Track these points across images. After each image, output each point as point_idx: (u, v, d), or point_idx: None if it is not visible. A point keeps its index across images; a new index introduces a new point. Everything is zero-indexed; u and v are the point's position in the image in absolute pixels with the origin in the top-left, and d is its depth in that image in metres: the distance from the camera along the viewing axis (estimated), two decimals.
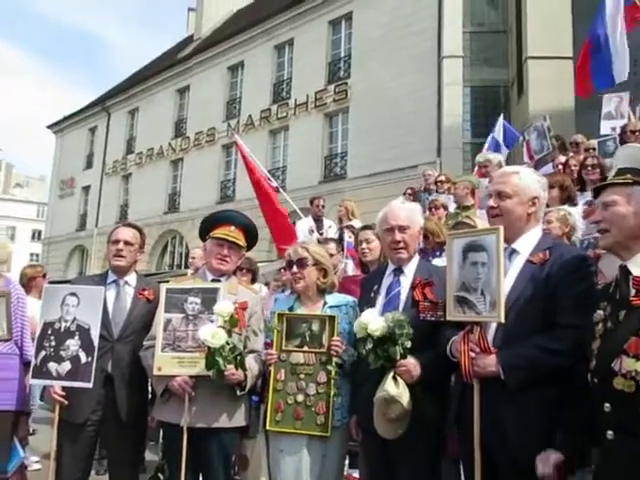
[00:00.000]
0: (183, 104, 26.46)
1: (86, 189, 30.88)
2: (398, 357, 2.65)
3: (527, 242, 2.53)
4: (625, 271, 2.06)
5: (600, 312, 2.09)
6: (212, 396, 3.04)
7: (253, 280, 5.31)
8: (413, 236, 3.01)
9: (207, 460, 3.10)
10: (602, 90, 7.94)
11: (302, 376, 3.05)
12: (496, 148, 9.61)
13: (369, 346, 2.70)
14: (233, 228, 3.38)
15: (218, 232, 3.36)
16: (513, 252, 2.53)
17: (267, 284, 6.04)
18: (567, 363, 2.23)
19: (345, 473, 3.56)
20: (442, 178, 7.74)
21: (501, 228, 2.42)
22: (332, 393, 3.00)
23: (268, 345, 3.18)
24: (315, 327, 3.09)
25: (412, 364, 2.70)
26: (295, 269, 3.21)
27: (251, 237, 3.52)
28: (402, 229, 2.99)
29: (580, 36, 14.15)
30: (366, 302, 3.04)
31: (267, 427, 3.05)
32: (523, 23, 16.29)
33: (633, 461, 1.85)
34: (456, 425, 2.58)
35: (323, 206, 8.66)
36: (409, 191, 8.40)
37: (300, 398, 3.04)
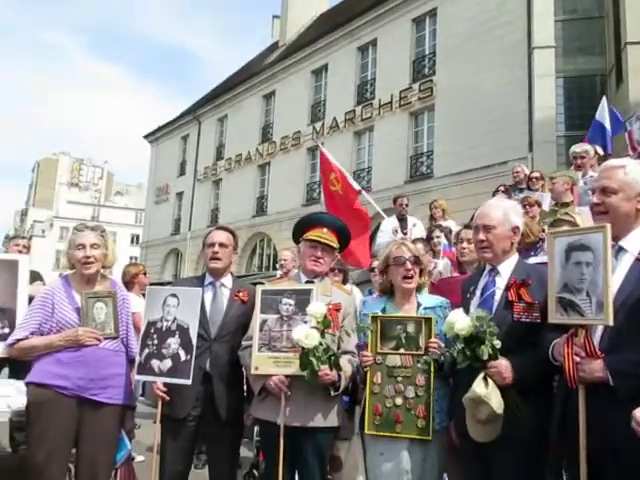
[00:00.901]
0: (269, 110, 27.06)
1: (179, 195, 32.28)
2: (486, 357, 2.58)
3: (636, 239, 2.39)
4: None
5: None
6: (307, 396, 3.09)
7: (345, 280, 5.34)
8: (500, 236, 2.89)
9: (303, 459, 3.15)
10: None
11: (400, 379, 3.02)
12: (602, 132, 8.97)
13: (459, 346, 2.65)
14: (326, 230, 3.42)
15: (311, 234, 3.41)
16: (620, 250, 2.39)
17: (355, 284, 6.04)
18: None
19: None
20: (536, 174, 7.38)
21: (608, 226, 2.28)
22: (432, 396, 2.96)
23: (360, 347, 3.18)
24: (411, 329, 3.06)
25: (503, 365, 2.61)
26: (409, 266, 3.17)
27: (343, 238, 3.54)
28: (487, 228, 2.90)
29: None
30: (464, 303, 2.99)
31: (366, 431, 3.04)
32: (621, 7, 15.32)
33: None
34: (560, 431, 2.46)
35: (407, 205, 8.53)
36: (502, 188, 8.07)
37: (399, 401, 3.01)
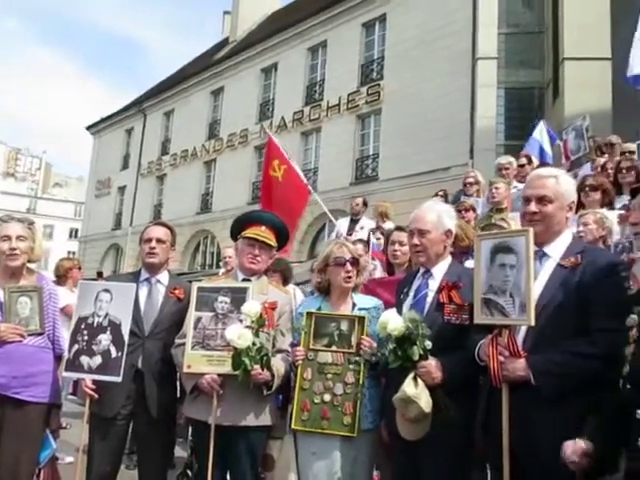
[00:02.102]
0: (217, 106, 26.76)
1: (122, 189, 31.47)
2: (417, 357, 2.63)
3: (558, 246, 2.49)
4: None
5: (634, 317, 2.05)
6: (240, 395, 3.07)
7: (285, 281, 5.32)
8: (434, 240, 2.95)
9: (235, 458, 3.13)
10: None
11: (329, 376, 3.05)
12: (540, 152, 9.39)
13: (391, 346, 2.69)
14: (264, 228, 3.41)
15: (249, 232, 3.39)
16: (544, 255, 2.49)
17: (297, 284, 6.05)
18: (601, 368, 2.19)
19: None
20: (470, 180, 7.59)
21: (531, 230, 2.38)
22: (360, 394, 2.99)
23: (294, 345, 3.19)
24: (344, 327, 3.09)
25: (433, 365, 2.67)
26: (349, 267, 3.19)
27: (282, 237, 3.54)
28: (421, 233, 2.95)
29: (619, 37, 13.85)
30: (397, 304, 3.04)
31: (293, 426, 3.04)
32: (560, 24, 15.98)
33: None
34: (483, 429, 2.55)
35: (364, 204, 8.58)
36: (441, 193, 8.29)
37: (327, 398, 3.03)
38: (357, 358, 3.03)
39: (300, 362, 3.07)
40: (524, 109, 17.31)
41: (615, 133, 9.14)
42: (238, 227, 3.51)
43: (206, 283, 3.41)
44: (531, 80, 17.78)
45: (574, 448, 2.08)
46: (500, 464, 2.34)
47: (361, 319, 3.07)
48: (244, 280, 3.34)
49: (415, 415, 2.63)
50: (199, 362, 3.09)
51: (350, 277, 3.19)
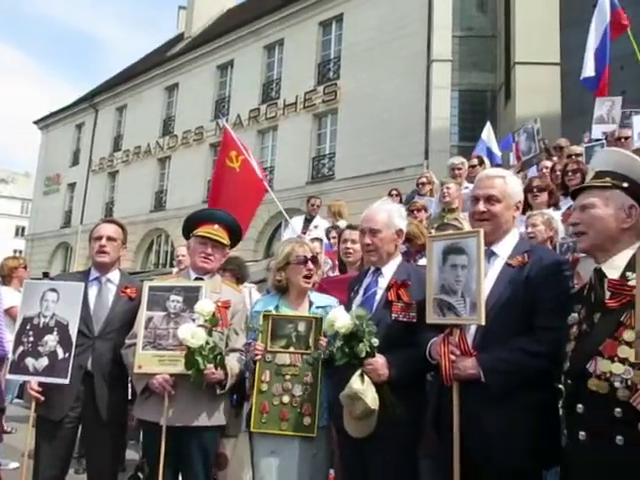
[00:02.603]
0: (172, 102, 26.34)
1: (72, 186, 30.60)
2: (364, 354, 2.65)
3: (506, 245, 2.55)
4: (600, 274, 2.08)
5: (575, 315, 2.12)
6: (192, 395, 3.03)
7: (238, 280, 5.28)
8: (385, 239, 2.97)
9: (187, 459, 3.09)
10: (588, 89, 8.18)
11: (288, 377, 3.04)
12: (488, 154, 9.64)
13: (338, 344, 2.71)
14: (217, 226, 3.38)
15: (201, 230, 3.35)
16: (492, 255, 2.54)
17: (254, 283, 6.00)
18: (547, 365, 2.25)
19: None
20: (423, 180, 7.72)
21: (481, 231, 2.43)
22: (318, 394, 3.00)
23: (247, 343, 3.17)
24: (301, 328, 3.09)
25: (380, 362, 2.69)
26: (311, 266, 3.20)
27: (234, 235, 3.52)
28: (373, 232, 2.97)
29: (567, 43, 14.34)
30: (348, 302, 3.07)
31: (252, 429, 3.03)
32: (511, 29, 16.41)
33: (603, 462, 1.88)
34: (434, 427, 2.59)
35: (318, 206, 8.67)
36: (394, 192, 8.41)
37: (286, 399, 3.03)
38: (307, 358, 3.05)
39: (259, 357, 3.05)
40: (477, 111, 17.68)
41: (563, 136, 9.46)
42: (190, 225, 3.46)
43: (158, 282, 3.36)
44: (484, 83, 18.18)
45: None
46: (451, 460, 2.38)
47: (318, 320, 3.07)
48: (197, 279, 3.30)
49: (361, 412, 2.65)
50: (150, 362, 3.04)
51: (310, 276, 3.21)
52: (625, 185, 2.12)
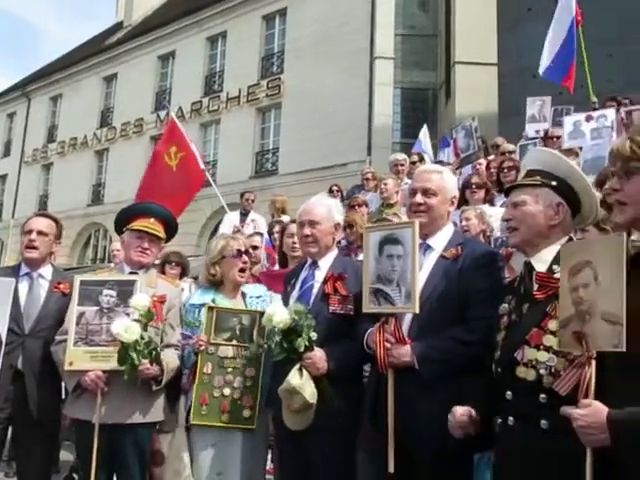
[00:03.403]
0: (110, 93, 25.53)
1: (3, 178, 29.23)
2: (302, 349, 2.67)
3: (441, 238, 2.63)
4: (529, 267, 2.16)
5: (505, 305, 2.20)
6: (126, 391, 2.97)
7: (182, 274, 5.22)
8: (324, 231, 3.01)
9: (121, 457, 3.03)
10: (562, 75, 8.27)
11: (230, 370, 3.06)
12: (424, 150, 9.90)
13: (277, 338, 2.72)
14: (153, 220, 3.32)
15: (137, 224, 3.28)
16: (428, 248, 2.61)
17: (195, 278, 5.93)
18: (479, 353, 2.32)
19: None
20: (368, 175, 7.85)
21: (416, 222, 2.49)
22: (259, 387, 3.03)
23: (185, 336, 3.14)
24: (246, 322, 3.10)
25: (318, 356, 2.72)
26: (246, 259, 3.25)
27: (170, 229, 3.47)
28: (312, 224, 3.00)
29: (504, 45, 14.81)
30: (285, 296, 3.10)
31: (192, 421, 3.02)
32: (452, 29, 16.80)
33: (531, 446, 1.95)
34: (371, 414, 2.63)
35: (253, 200, 8.67)
36: (335, 188, 8.50)
37: (227, 391, 3.04)
38: (245, 353, 3.06)
39: (202, 349, 3.03)
40: (419, 109, 18.02)
41: (500, 135, 9.78)
42: (124, 219, 3.39)
43: (89, 276, 3.29)
44: (426, 81, 18.53)
45: (461, 412, 2.18)
46: (385, 447, 2.43)
47: (263, 315, 3.04)
48: (131, 273, 3.24)
49: (300, 406, 2.68)
50: (82, 359, 2.96)
51: (245, 269, 3.24)
52: (554, 183, 2.21)
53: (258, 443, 3.10)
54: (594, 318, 1.72)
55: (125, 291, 3.03)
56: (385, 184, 6.21)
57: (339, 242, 4.23)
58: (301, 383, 2.65)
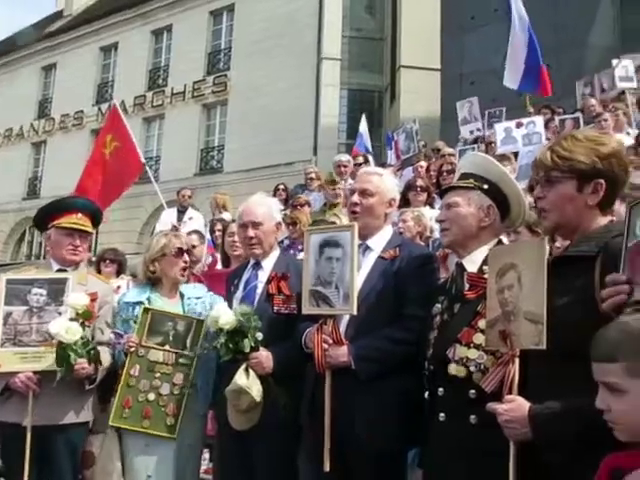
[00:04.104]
0: (49, 83, 24.63)
1: None
2: (248, 349, 2.68)
3: (380, 239, 2.67)
4: (461, 267, 2.24)
5: (438, 305, 2.26)
6: (57, 391, 2.87)
7: (119, 272, 5.09)
8: (268, 232, 3.01)
9: (52, 459, 2.93)
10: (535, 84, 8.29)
11: (158, 375, 2.99)
12: (366, 150, 10.04)
13: (222, 340, 2.71)
14: (80, 215, 3.21)
15: (65, 221, 3.16)
16: (367, 249, 2.66)
17: (134, 275, 5.79)
18: (413, 352, 2.37)
19: (204, 467, 3.55)
20: (312, 175, 7.89)
21: (356, 225, 2.53)
22: (186, 395, 2.98)
23: (117, 335, 3.07)
24: (181, 327, 3.04)
25: (264, 356, 2.74)
26: (187, 258, 3.17)
27: (96, 222, 3.38)
28: (255, 225, 2.99)
29: (448, 50, 15.19)
30: (228, 297, 3.08)
31: (111, 422, 2.94)
32: (398, 33, 17.11)
33: (460, 440, 2.02)
34: (309, 414, 2.65)
35: (189, 196, 8.55)
36: (281, 187, 8.50)
37: (152, 397, 2.96)
38: (182, 360, 3.01)
39: (132, 350, 2.97)
40: (365, 110, 18.19)
41: (442, 139, 10.04)
42: (46, 216, 3.26)
43: (16, 275, 3.16)
44: (372, 83, 18.80)
45: None
46: (322, 447, 2.44)
47: (199, 322, 3.04)
48: (59, 271, 3.13)
49: (247, 405, 2.68)
50: (11, 360, 2.84)
51: (186, 268, 3.19)
52: (485, 187, 2.29)
53: (192, 444, 3.05)
54: (518, 318, 1.79)
55: (56, 289, 2.93)
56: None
57: (281, 242, 4.24)
58: (248, 383, 2.66)
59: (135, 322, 3.03)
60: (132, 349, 2.96)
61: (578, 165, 1.78)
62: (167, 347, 3.01)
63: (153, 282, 3.20)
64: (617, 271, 1.51)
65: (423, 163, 7.10)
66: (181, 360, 3.01)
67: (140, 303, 3.09)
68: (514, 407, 1.73)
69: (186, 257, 3.17)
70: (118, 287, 4.17)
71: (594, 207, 1.81)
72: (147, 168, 6.98)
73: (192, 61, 20.03)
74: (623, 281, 1.47)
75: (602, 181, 1.78)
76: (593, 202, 1.80)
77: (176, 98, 20.24)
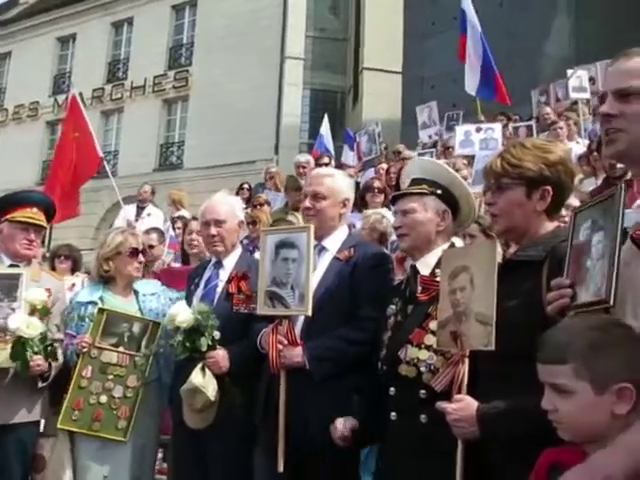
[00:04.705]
0: (2, 72, 23.82)
1: None
2: (205, 348, 2.67)
3: (335, 240, 2.70)
4: (414, 270, 2.29)
5: (393, 306, 2.31)
6: (8, 389, 2.82)
7: (74, 269, 4.99)
8: (230, 230, 3.01)
9: (2, 460, 2.86)
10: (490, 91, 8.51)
11: (111, 377, 2.94)
12: (327, 150, 10.09)
13: (179, 338, 2.70)
14: (35, 210, 3.14)
15: (20, 215, 3.09)
16: (322, 249, 2.68)
17: (88, 272, 5.68)
18: (367, 352, 2.40)
19: (158, 467, 3.52)
20: (270, 175, 7.89)
21: (311, 227, 2.55)
22: (139, 398, 2.95)
23: (69, 335, 3.01)
24: (136, 329, 3.00)
25: (220, 355, 2.73)
26: (142, 258, 3.13)
27: (50, 216, 3.33)
28: (218, 223, 2.98)
29: (409, 54, 15.40)
30: (188, 295, 3.06)
31: (59, 425, 2.88)
32: (361, 35, 17.25)
33: (411, 439, 2.07)
34: (264, 414, 2.66)
35: (151, 193, 8.45)
36: (246, 186, 8.47)
37: (103, 399, 2.92)
38: (137, 360, 2.98)
39: (85, 351, 2.91)
40: (328, 111, 18.29)
41: (402, 142, 10.18)
42: (1, 209, 3.17)
43: None
44: (334, 84, 18.89)
45: (344, 425, 2.28)
46: (276, 446, 2.46)
47: (156, 324, 3.02)
48: (12, 266, 3.07)
49: (202, 405, 2.67)
50: None
51: (140, 268, 3.16)
52: (439, 192, 2.34)
53: (148, 444, 3.02)
54: (469, 319, 1.85)
55: (9, 285, 2.88)
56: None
57: (241, 241, 4.23)
58: (204, 382, 2.65)
59: (89, 319, 2.98)
60: (85, 350, 2.91)
61: (526, 172, 1.85)
62: (121, 349, 2.97)
63: (106, 280, 3.15)
64: (562, 275, 1.58)
65: (384, 165, 7.18)
66: (136, 362, 2.97)
67: (93, 303, 3.04)
68: (462, 406, 1.79)
69: (141, 257, 3.13)
70: (73, 285, 4.08)
71: (542, 213, 1.88)
72: (105, 163, 6.86)
73: (153, 55, 19.73)
74: (567, 285, 1.53)
75: (549, 188, 1.85)
76: (541, 208, 1.87)
77: (136, 92, 19.90)
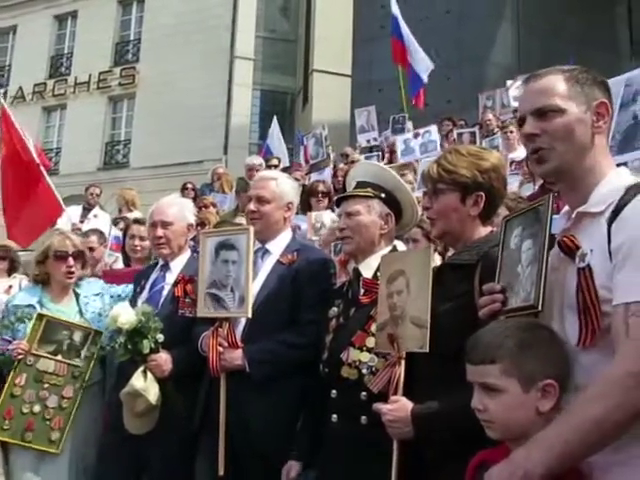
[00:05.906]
0: None
1: None
2: (147, 351, 2.63)
3: (279, 244, 2.70)
4: (357, 273, 2.32)
5: (335, 309, 2.33)
6: None
7: (11, 270, 4.81)
8: (177, 232, 2.98)
9: None
10: (414, 94, 9.01)
11: (46, 386, 2.85)
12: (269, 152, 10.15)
13: (121, 339, 2.64)
14: None
15: None
16: (266, 252, 2.68)
17: (27, 274, 5.48)
18: (309, 356, 2.42)
19: None
20: (218, 175, 7.83)
21: (251, 228, 2.56)
22: (75, 409, 2.87)
23: (4, 341, 2.90)
24: (77, 338, 2.91)
25: (163, 358, 2.69)
26: (71, 262, 3.00)
27: None
28: (165, 225, 2.95)
29: (358, 57, 15.54)
30: (133, 297, 3.00)
31: None
32: (311, 37, 17.31)
33: (351, 440, 2.09)
34: (203, 418, 2.64)
35: (98, 195, 8.22)
36: (190, 186, 8.36)
37: (37, 409, 2.82)
38: (82, 373, 2.91)
39: (21, 357, 2.81)
40: (278, 112, 18.26)
41: (351, 145, 10.27)
42: None
43: None
44: (285, 85, 18.89)
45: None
46: (217, 450, 2.44)
47: (98, 333, 2.94)
48: None
49: (143, 409, 2.62)
50: None
51: (72, 272, 3.02)
52: (383, 196, 2.38)
53: (89, 453, 2.92)
54: (405, 322, 1.89)
55: None
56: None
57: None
58: (145, 385, 2.60)
59: (28, 319, 2.87)
60: (20, 356, 2.81)
61: (460, 178, 1.90)
62: (60, 357, 2.88)
63: (43, 283, 3.06)
64: (494, 280, 1.63)
65: (330, 168, 7.24)
66: (74, 372, 2.89)
67: (31, 306, 2.95)
68: (398, 407, 1.82)
69: (70, 262, 2.99)
70: (10, 287, 3.93)
71: (476, 218, 1.94)
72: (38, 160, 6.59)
73: (98, 50, 19.21)
74: (498, 290, 1.59)
75: (482, 194, 1.91)
76: (475, 213, 1.92)
77: (80, 88, 19.34)
